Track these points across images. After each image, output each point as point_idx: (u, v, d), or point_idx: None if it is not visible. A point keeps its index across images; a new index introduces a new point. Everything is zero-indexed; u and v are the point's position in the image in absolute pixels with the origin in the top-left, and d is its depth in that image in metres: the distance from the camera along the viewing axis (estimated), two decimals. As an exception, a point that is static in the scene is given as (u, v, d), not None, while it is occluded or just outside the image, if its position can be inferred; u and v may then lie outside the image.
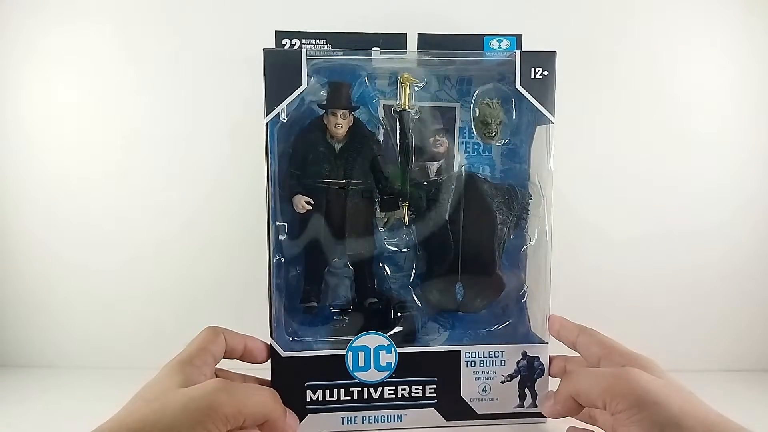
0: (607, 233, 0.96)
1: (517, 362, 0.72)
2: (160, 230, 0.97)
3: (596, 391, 0.56)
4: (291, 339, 0.75)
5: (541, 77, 0.71)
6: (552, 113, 0.71)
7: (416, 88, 0.77)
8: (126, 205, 0.96)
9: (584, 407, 0.62)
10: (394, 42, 0.74)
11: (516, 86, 0.70)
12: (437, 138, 0.78)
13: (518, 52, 0.70)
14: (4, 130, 0.95)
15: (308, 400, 0.72)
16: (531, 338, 0.74)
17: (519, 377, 0.72)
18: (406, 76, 0.75)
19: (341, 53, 0.73)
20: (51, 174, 0.96)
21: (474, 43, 0.74)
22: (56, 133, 0.95)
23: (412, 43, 0.75)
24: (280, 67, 0.69)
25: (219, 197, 0.95)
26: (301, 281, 0.78)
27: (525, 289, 0.77)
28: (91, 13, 0.94)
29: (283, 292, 0.75)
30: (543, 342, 0.73)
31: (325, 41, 0.74)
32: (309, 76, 0.70)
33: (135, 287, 0.97)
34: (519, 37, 0.75)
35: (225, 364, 0.70)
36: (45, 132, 0.95)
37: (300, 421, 0.70)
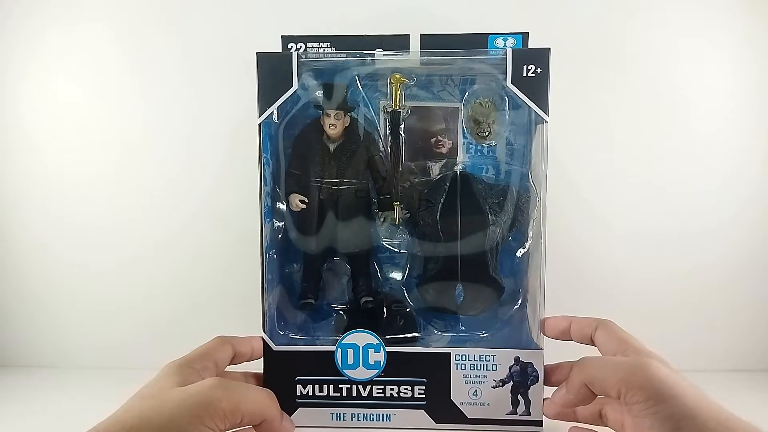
0: (606, 234, 0.95)
1: (510, 367, 0.71)
2: (160, 230, 0.98)
3: (612, 380, 0.55)
4: (283, 333, 0.76)
5: (533, 75, 0.68)
6: (546, 111, 0.69)
7: (407, 88, 0.76)
8: (126, 206, 0.97)
9: (592, 400, 0.61)
10: (396, 43, 0.74)
11: (507, 84, 0.69)
12: (440, 138, 0.78)
13: (510, 49, 0.69)
14: (4, 130, 0.97)
15: (298, 394, 0.73)
16: (525, 343, 0.73)
17: (511, 383, 0.71)
18: (397, 76, 0.75)
19: (334, 55, 0.73)
20: (51, 174, 0.97)
21: (478, 42, 0.73)
22: (56, 133, 0.97)
23: (415, 44, 0.75)
24: (272, 70, 0.71)
25: (219, 197, 0.96)
26: (299, 279, 0.79)
27: (520, 292, 0.76)
28: (91, 13, 0.95)
29: (277, 288, 0.77)
30: (538, 348, 0.71)
31: (329, 44, 0.74)
32: (300, 77, 0.71)
33: (135, 287, 0.98)
34: (525, 35, 0.74)
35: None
36: (45, 132, 0.97)
37: (290, 415, 0.72)
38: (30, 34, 0.94)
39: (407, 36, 0.74)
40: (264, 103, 0.71)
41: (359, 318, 0.76)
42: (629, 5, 0.92)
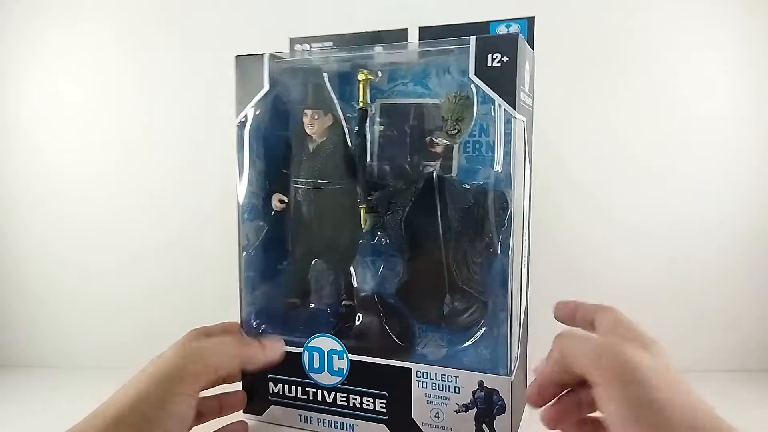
0: (605, 234, 0.93)
1: (473, 392, 0.64)
2: (160, 230, 0.98)
3: (581, 356, 0.50)
4: (261, 331, 0.76)
5: (499, 64, 0.60)
6: (513, 105, 0.60)
7: (404, 84, 0.73)
8: (126, 206, 0.98)
9: (568, 377, 0.54)
10: (396, 38, 0.72)
11: (470, 76, 0.61)
12: (434, 138, 0.71)
13: (473, 38, 0.61)
14: (4, 131, 0.98)
15: (270, 392, 0.73)
16: (492, 368, 0.65)
17: (476, 410, 0.64)
18: (365, 72, 0.71)
19: (316, 53, 0.74)
20: (51, 174, 0.98)
21: (479, 31, 0.66)
22: (56, 133, 0.98)
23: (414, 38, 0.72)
24: (247, 72, 0.72)
25: (219, 197, 0.92)
26: (284, 279, 0.79)
27: (488, 308, 0.69)
28: (92, 13, 0.96)
29: (260, 287, 0.77)
30: (506, 375, 0.63)
31: (331, 43, 0.74)
32: (273, 78, 0.70)
33: (135, 287, 0.99)
34: (531, 20, 0.68)
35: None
36: (45, 132, 0.98)
37: (263, 413, 0.74)
38: (30, 34, 0.95)
39: (405, 30, 0.72)
40: (240, 104, 0.72)
41: (335, 321, 0.75)
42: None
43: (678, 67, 0.89)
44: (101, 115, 0.96)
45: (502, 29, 0.68)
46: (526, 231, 0.67)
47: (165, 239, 0.97)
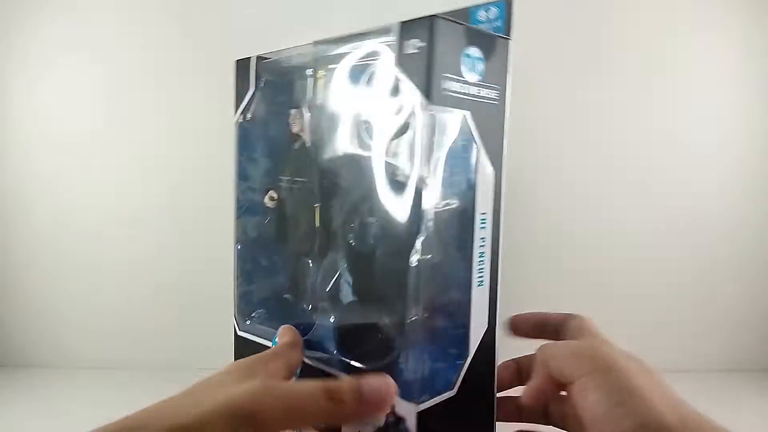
0: (604, 233, 0.95)
1: (386, 416, 0.55)
2: (161, 230, 1.01)
3: (562, 357, 0.51)
4: (249, 323, 0.76)
5: (416, 50, 0.52)
6: (428, 96, 0.51)
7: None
8: (127, 206, 1.02)
9: (554, 386, 0.53)
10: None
11: (393, 66, 0.54)
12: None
13: (398, 24, 0.53)
14: (4, 131, 1.03)
15: None
16: (404, 392, 0.54)
17: None
18: (320, 71, 0.68)
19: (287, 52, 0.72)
20: (51, 174, 1.02)
21: (461, 19, 0.59)
22: (55, 134, 1.02)
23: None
24: (241, 73, 0.74)
25: (221, 197, 0.90)
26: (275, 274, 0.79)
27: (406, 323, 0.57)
28: (91, 13, 1.01)
29: (249, 281, 0.78)
30: (411, 402, 0.53)
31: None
32: (260, 79, 0.73)
33: (136, 287, 1.02)
34: (508, 3, 0.61)
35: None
36: (46, 133, 1.03)
37: None
38: (32, 32, 1.01)
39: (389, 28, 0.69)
40: (237, 105, 0.75)
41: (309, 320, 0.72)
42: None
43: (676, 66, 0.92)
44: (102, 115, 1.01)
45: (482, 15, 0.63)
46: (481, 242, 0.57)
47: (166, 240, 1.00)
